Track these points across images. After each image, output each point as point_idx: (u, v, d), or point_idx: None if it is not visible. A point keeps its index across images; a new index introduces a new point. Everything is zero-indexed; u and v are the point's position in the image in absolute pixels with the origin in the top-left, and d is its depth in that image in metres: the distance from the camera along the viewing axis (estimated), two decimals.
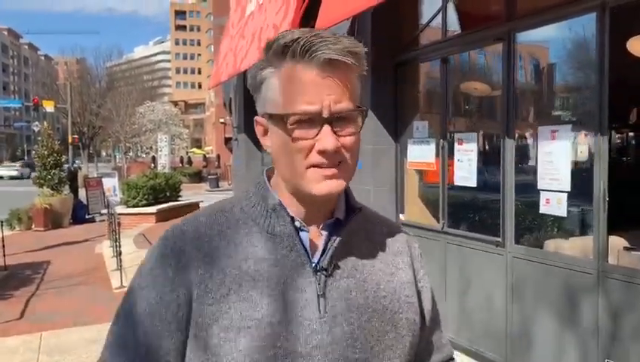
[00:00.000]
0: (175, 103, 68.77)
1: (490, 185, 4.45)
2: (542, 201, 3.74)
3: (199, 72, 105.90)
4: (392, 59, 5.24)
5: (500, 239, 4.08)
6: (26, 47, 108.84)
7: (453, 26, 4.86)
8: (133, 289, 0.93)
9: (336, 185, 0.87)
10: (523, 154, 4.28)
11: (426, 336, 1.04)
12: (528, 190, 4.03)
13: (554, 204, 3.67)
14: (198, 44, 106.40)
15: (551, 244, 3.85)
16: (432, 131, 4.95)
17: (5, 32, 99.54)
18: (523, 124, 4.39)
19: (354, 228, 0.96)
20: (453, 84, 4.93)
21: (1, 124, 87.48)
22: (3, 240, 8.28)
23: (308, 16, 5.16)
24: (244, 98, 8.77)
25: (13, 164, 53.36)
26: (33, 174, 15.79)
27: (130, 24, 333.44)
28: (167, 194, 13.78)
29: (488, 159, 4.54)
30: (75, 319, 5.88)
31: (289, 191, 0.92)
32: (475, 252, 4.35)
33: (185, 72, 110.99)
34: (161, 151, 21.58)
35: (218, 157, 43.38)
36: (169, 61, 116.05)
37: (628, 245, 3.58)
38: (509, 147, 4.03)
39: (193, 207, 13.52)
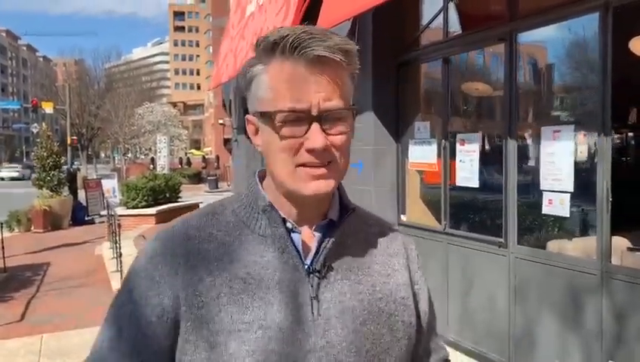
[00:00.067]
0: (174, 104, 68.79)
1: (492, 185, 4.44)
2: (544, 202, 3.73)
3: (198, 73, 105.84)
4: (394, 59, 5.22)
5: (502, 240, 4.07)
6: (25, 48, 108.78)
7: (455, 26, 4.85)
8: (122, 292, 0.91)
9: (325, 185, 0.85)
10: (525, 155, 4.27)
11: (422, 339, 1.02)
12: (531, 190, 4.03)
13: (557, 204, 3.66)
14: (197, 45, 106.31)
15: (554, 245, 3.84)
16: (434, 132, 4.94)
17: (4, 34, 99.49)
18: (525, 124, 4.39)
19: (348, 229, 0.94)
20: (454, 85, 4.93)
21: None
22: (2, 242, 8.26)
23: (308, 17, 5.14)
24: (243, 99, 8.76)
25: (14, 165, 53.37)
26: (34, 176, 15.76)
27: (129, 25, 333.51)
28: (167, 195, 13.75)
29: (490, 159, 4.53)
30: (75, 321, 5.86)
31: (280, 191, 0.90)
32: (477, 253, 4.34)
33: (184, 73, 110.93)
34: (160, 152, 21.51)
35: (217, 158, 43.38)
36: (168, 62, 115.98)
37: (631, 245, 3.57)
38: (512, 147, 4.02)
39: (193, 208, 13.49)
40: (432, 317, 1.05)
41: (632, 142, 8.20)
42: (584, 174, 3.69)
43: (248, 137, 0.96)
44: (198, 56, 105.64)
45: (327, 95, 0.83)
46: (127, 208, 12.77)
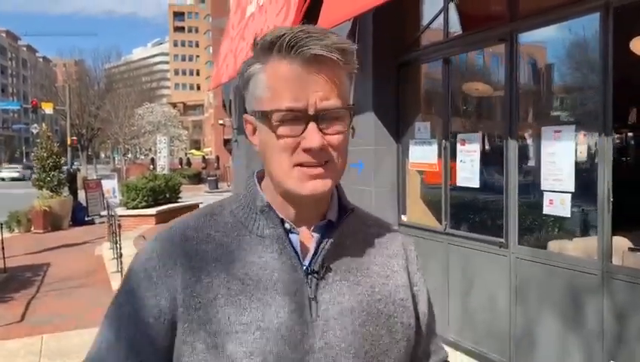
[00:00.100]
0: (174, 105, 68.81)
1: (493, 185, 4.44)
2: (545, 202, 3.73)
3: (198, 74, 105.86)
4: (394, 59, 5.22)
5: (503, 240, 4.07)
6: (25, 49, 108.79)
7: (455, 26, 4.85)
8: (120, 293, 0.91)
9: (321, 185, 0.85)
10: (526, 155, 4.27)
11: (421, 340, 1.01)
12: (531, 191, 4.03)
13: (557, 204, 3.65)
14: (197, 45, 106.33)
15: (555, 245, 3.84)
16: (434, 132, 4.94)
17: (3, 34, 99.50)
18: (526, 124, 4.39)
19: (346, 229, 0.93)
20: (455, 85, 4.92)
21: None
22: (3, 243, 8.25)
23: (309, 18, 5.14)
24: (244, 99, 8.75)
25: (15, 166, 53.41)
26: (34, 176, 15.78)
27: (129, 26, 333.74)
28: (167, 195, 13.75)
29: (491, 160, 4.53)
30: (75, 322, 5.86)
31: (278, 192, 0.90)
32: (478, 253, 4.33)
33: (183, 73, 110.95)
34: (160, 152, 21.51)
35: (217, 158, 43.40)
36: (167, 63, 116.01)
37: (632, 246, 3.57)
38: (512, 147, 4.01)
39: (193, 208, 13.49)
40: (431, 319, 1.05)
41: (632, 142, 8.21)
42: (585, 174, 3.69)
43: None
44: (197, 56, 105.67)
45: (325, 94, 0.82)
46: (127, 208, 12.77)
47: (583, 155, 3.81)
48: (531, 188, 4.01)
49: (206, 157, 48.93)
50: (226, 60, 8.36)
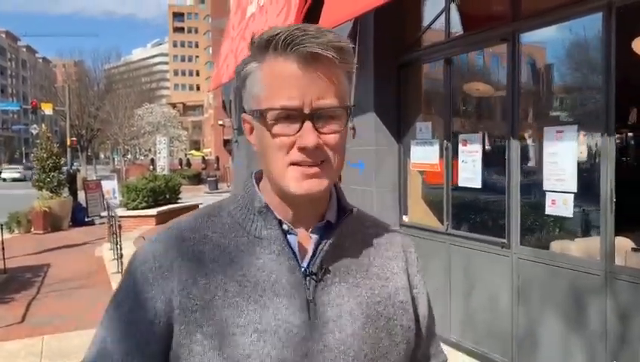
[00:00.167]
0: (173, 105, 68.86)
1: (494, 186, 4.43)
2: (547, 202, 3.72)
3: (197, 74, 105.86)
4: (395, 60, 5.22)
5: (505, 240, 4.06)
6: (24, 49, 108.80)
7: (457, 26, 4.85)
8: (116, 294, 0.90)
9: (317, 185, 0.84)
10: (528, 155, 4.26)
11: (421, 343, 1.00)
12: (533, 191, 4.02)
13: (560, 204, 3.65)
14: (196, 46, 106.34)
15: (557, 245, 3.83)
16: (436, 132, 4.93)
17: (3, 35, 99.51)
18: (528, 124, 4.38)
19: (345, 230, 0.92)
20: (456, 85, 4.92)
21: None
22: (3, 244, 8.25)
23: (310, 18, 5.14)
24: (242, 99, 8.75)
25: (16, 166, 53.44)
26: (34, 177, 15.78)
27: (129, 26, 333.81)
28: (167, 196, 13.75)
29: (493, 160, 4.52)
30: (76, 322, 5.85)
31: (275, 192, 0.89)
32: (479, 253, 4.33)
33: (183, 74, 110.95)
34: (159, 153, 21.50)
35: (217, 159, 43.42)
36: (167, 63, 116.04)
37: (635, 246, 3.56)
38: (514, 148, 4.01)
39: (193, 208, 13.48)
40: (431, 322, 1.03)
41: (632, 142, 8.20)
42: (587, 174, 3.68)
43: None
44: (197, 57, 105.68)
45: (321, 93, 0.81)
46: (128, 209, 12.76)
47: (585, 155, 3.80)
48: (533, 188, 4.01)
49: (206, 157, 48.95)
50: (226, 61, 8.36)
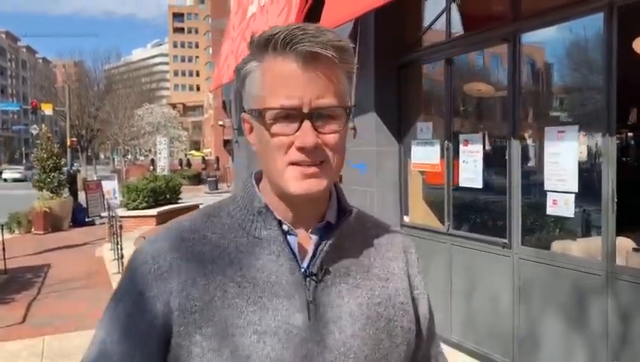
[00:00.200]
0: (173, 106, 68.88)
1: (496, 186, 4.44)
2: (549, 202, 3.72)
3: (197, 75, 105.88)
4: (396, 60, 5.22)
5: (506, 240, 4.06)
6: (24, 50, 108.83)
7: (457, 26, 4.85)
8: (115, 295, 0.90)
9: (315, 185, 0.83)
10: (529, 155, 4.26)
11: (421, 344, 0.99)
12: (535, 191, 4.02)
13: (561, 204, 3.65)
14: (197, 46, 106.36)
15: (558, 245, 3.83)
16: (436, 132, 4.93)
17: (3, 35, 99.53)
18: (529, 124, 4.38)
19: (346, 231, 0.91)
20: (457, 85, 4.92)
21: None
22: (3, 244, 8.25)
23: (311, 18, 5.14)
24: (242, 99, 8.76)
25: (17, 167, 53.49)
26: (35, 177, 15.79)
27: (129, 27, 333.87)
28: (167, 196, 13.75)
29: (494, 160, 4.52)
30: (77, 323, 5.85)
31: (275, 192, 0.88)
32: (481, 253, 4.32)
33: (183, 74, 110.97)
34: (160, 153, 21.53)
35: (217, 159, 43.41)
36: (167, 63, 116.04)
37: (636, 246, 3.56)
38: (515, 148, 4.00)
39: (193, 209, 13.48)
40: (431, 323, 1.02)
41: (632, 143, 8.20)
42: (589, 174, 3.69)
43: None
44: (197, 57, 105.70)
45: (320, 92, 0.81)
46: (128, 209, 12.77)
47: (586, 155, 3.80)
48: (534, 188, 4.01)
49: (206, 158, 48.95)
50: (226, 61, 8.35)
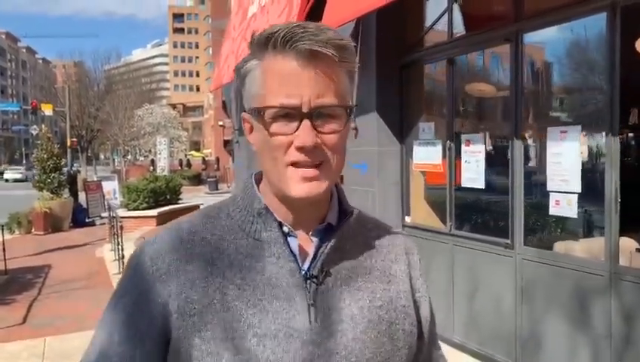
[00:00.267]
0: (173, 106, 68.91)
1: (498, 186, 4.42)
2: (551, 202, 3.71)
3: (197, 75, 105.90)
4: (398, 60, 5.21)
5: (508, 241, 4.05)
6: (24, 50, 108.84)
7: (459, 27, 4.84)
8: (113, 297, 0.89)
9: (315, 188, 0.82)
10: (531, 155, 4.25)
11: (423, 347, 0.98)
12: (537, 191, 4.01)
13: (564, 205, 3.64)
14: (197, 46, 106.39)
15: (561, 246, 3.82)
16: (438, 132, 4.92)
17: (3, 36, 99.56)
18: (531, 124, 4.37)
19: (347, 233, 0.90)
20: (459, 86, 4.91)
21: None
22: (3, 245, 8.24)
23: (312, 18, 5.12)
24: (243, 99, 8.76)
25: (18, 167, 53.58)
26: (35, 177, 15.80)
27: (129, 27, 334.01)
28: (168, 197, 13.78)
29: (496, 160, 4.51)
30: (77, 324, 5.83)
31: (274, 194, 0.87)
32: (483, 254, 4.31)
33: (183, 74, 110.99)
34: (160, 154, 21.53)
35: (217, 159, 43.42)
36: (167, 64, 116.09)
37: (639, 246, 3.55)
38: (518, 148, 4.00)
39: (194, 209, 13.46)
40: (432, 326, 1.01)
41: (633, 143, 8.20)
42: (592, 175, 3.68)
43: None
44: (197, 57, 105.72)
45: (320, 91, 0.79)
46: (128, 210, 12.77)
47: (589, 156, 3.79)
48: (537, 188, 4.00)
49: (206, 158, 48.95)
50: (227, 61, 8.35)
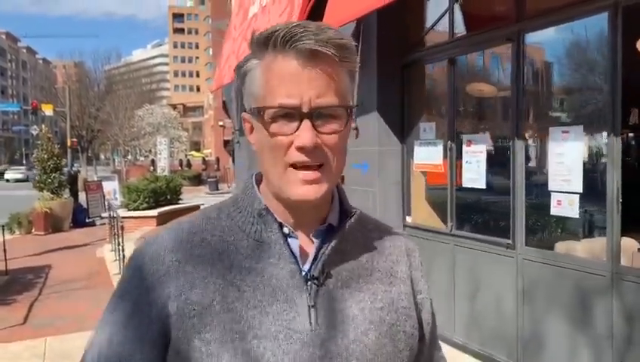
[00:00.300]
0: (174, 106, 68.88)
1: (499, 186, 4.42)
2: (553, 203, 3.71)
3: (197, 75, 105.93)
4: (399, 59, 5.21)
5: (510, 241, 4.04)
6: (24, 50, 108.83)
7: (460, 26, 4.83)
8: (113, 298, 0.88)
9: (315, 191, 0.81)
10: (533, 156, 4.25)
11: (424, 350, 0.97)
12: (539, 191, 4.00)
13: (565, 205, 3.63)
14: (197, 47, 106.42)
15: (562, 246, 3.82)
16: (439, 132, 4.92)
17: (3, 36, 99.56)
18: (533, 124, 4.36)
19: (348, 234, 0.89)
20: (460, 85, 4.90)
21: None
22: (4, 245, 8.23)
23: (313, 18, 5.12)
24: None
25: (19, 167, 53.63)
26: (35, 178, 15.79)
27: (129, 27, 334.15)
28: (168, 197, 13.76)
29: (497, 160, 4.50)
30: (78, 324, 5.83)
31: (274, 195, 0.86)
32: (484, 254, 4.31)
33: (183, 75, 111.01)
34: (160, 154, 21.52)
35: (217, 160, 43.44)
36: (167, 64, 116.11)
37: None
38: (519, 148, 3.99)
39: (194, 209, 13.47)
40: (434, 328, 1.01)
41: (634, 143, 8.20)
42: (593, 175, 3.67)
43: None
44: (197, 58, 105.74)
45: (320, 91, 0.79)
46: (129, 210, 12.76)
47: (591, 156, 3.78)
48: (538, 188, 3.99)
49: (206, 158, 48.96)
50: (227, 61, 8.35)
